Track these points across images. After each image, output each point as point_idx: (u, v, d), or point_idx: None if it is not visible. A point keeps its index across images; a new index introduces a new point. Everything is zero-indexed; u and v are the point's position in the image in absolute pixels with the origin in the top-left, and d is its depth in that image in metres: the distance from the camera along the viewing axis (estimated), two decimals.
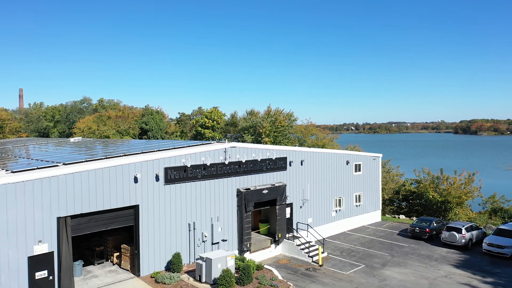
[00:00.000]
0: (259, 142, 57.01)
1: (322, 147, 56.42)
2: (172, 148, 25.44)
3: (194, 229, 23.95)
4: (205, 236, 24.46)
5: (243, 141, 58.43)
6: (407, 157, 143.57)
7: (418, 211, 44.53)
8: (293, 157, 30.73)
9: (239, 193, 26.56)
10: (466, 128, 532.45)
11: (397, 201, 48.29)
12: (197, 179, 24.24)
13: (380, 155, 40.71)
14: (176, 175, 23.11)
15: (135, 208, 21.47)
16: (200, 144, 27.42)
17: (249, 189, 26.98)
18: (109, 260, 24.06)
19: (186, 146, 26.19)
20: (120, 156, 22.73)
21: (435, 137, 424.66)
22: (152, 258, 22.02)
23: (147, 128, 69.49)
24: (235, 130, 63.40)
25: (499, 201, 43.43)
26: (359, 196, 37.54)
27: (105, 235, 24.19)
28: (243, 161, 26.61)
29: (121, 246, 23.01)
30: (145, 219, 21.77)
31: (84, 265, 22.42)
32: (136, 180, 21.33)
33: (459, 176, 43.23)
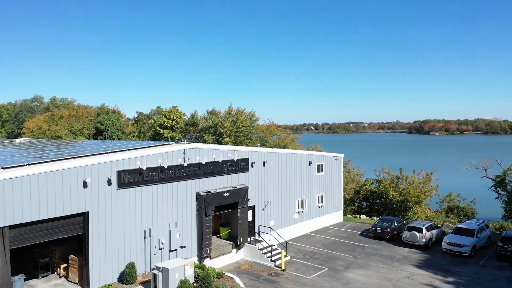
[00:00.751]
0: (220, 142, 55.73)
1: (284, 147, 55.93)
2: (126, 150, 23.78)
3: (150, 236, 22.43)
4: (162, 243, 22.99)
5: (204, 142, 56.95)
6: (366, 157, 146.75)
7: (379, 210, 44.87)
8: (255, 158, 29.77)
9: (198, 196, 25.26)
10: (420, 128, 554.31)
11: (358, 201, 48.54)
12: (153, 183, 22.74)
13: (342, 155, 40.59)
14: (130, 178, 21.51)
15: (84, 215, 19.70)
16: (157, 145, 25.87)
17: (209, 192, 25.74)
18: (56, 273, 22.07)
19: (142, 148, 24.59)
20: (68, 158, 20.84)
21: (391, 137, 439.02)
22: (103, 269, 20.32)
23: (102, 128, 66.47)
24: (195, 130, 61.77)
25: (455, 200, 44.54)
26: (322, 197, 37.15)
27: (51, 245, 22.17)
28: (203, 162, 25.34)
29: (69, 257, 21.13)
30: (95, 227, 20.03)
31: (26, 279, 20.34)
32: (85, 185, 19.57)
33: (417, 175, 43.94)
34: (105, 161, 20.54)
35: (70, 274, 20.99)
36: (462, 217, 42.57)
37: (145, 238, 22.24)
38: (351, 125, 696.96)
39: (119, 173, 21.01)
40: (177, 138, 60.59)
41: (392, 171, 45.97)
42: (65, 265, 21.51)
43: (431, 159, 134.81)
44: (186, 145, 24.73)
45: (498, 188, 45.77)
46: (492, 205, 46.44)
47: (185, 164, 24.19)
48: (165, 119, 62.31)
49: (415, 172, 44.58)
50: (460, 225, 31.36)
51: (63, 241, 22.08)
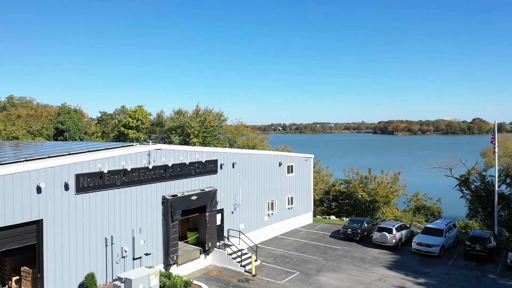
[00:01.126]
0: (187, 143, 54.30)
1: (253, 148, 55.13)
2: (86, 152, 22.22)
3: (112, 244, 20.98)
4: (125, 251, 21.58)
5: (170, 142, 55.33)
6: (333, 156, 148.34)
7: (348, 211, 44.80)
8: (224, 160, 28.75)
9: (165, 200, 23.99)
10: (384, 129, 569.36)
11: (327, 201, 48.34)
12: (115, 187, 21.29)
13: (312, 156, 40.19)
14: (90, 182, 20.00)
15: (38, 223, 18.07)
16: (120, 147, 24.40)
17: (176, 195, 24.51)
18: (7, 286, 20.26)
19: (104, 149, 23.09)
20: (20, 161, 19.14)
21: (357, 137, 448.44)
22: (60, 281, 18.74)
23: (63, 128, 63.44)
24: (161, 130, 59.98)
25: (422, 199, 45.07)
26: (292, 198, 36.56)
27: (1, 256, 20.35)
28: (170, 165, 24.08)
29: (21, 269, 19.41)
30: (50, 236, 18.44)
31: None
32: (39, 190, 17.95)
33: (386, 175, 44.19)
34: (62, 164, 18.97)
35: (22, 287, 19.28)
36: (429, 217, 43.13)
37: (106, 246, 20.78)
38: (318, 125, 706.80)
39: (78, 176, 19.47)
40: (142, 138, 58.60)
41: (361, 171, 46.06)
42: (17, 277, 19.78)
43: (397, 158, 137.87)
44: (151, 147, 23.41)
45: (462, 188, 46.77)
46: (457, 204, 47.41)
47: (150, 167, 22.88)
48: (129, 119, 60.16)
49: (383, 172, 44.83)
50: (429, 225, 31.51)
51: (15, 251, 20.32)
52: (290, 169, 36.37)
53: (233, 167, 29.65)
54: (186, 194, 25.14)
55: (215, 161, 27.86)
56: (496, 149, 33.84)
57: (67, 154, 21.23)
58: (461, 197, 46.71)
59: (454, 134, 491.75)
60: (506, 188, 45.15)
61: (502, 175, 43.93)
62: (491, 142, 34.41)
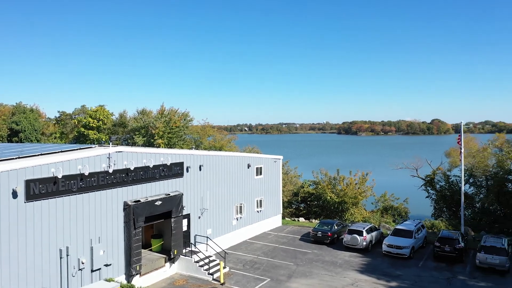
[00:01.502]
0: (151, 144, 52.38)
1: (220, 149, 53.88)
2: (38, 155, 20.36)
3: (67, 255, 19.20)
4: (83, 263, 19.85)
5: (134, 144, 53.23)
6: (301, 157, 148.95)
7: (317, 212, 44.36)
8: (191, 162, 27.37)
9: (126, 206, 22.38)
10: (348, 129, 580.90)
11: (296, 203, 47.72)
12: (71, 193, 19.53)
13: (281, 157, 39.40)
14: (42, 189, 18.18)
15: None
16: (77, 149, 22.62)
17: (139, 201, 22.95)
18: None
19: (59, 152, 21.27)
20: None
21: (322, 137, 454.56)
22: None
23: (18, 128, 59.93)
24: (124, 131, 57.60)
25: (389, 200, 45.23)
26: (261, 201, 35.59)
27: None
28: (132, 168, 22.49)
29: None
30: None
31: None
32: None
33: (354, 176, 44.05)
34: (10, 169, 17.09)
35: None
36: (396, 217, 43.32)
37: (61, 258, 18.99)
38: (284, 125, 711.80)
39: (28, 182, 17.63)
40: (103, 139, 56.05)
41: (329, 172, 45.76)
42: None
43: (362, 158, 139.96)
44: (111, 149, 21.75)
45: (428, 188, 47.38)
46: (423, 204, 47.97)
47: (111, 171, 21.23)
48: (90, 119, 57.44)
49: (351, 173, 44.71)
50: (398, 227, 31.35)
51: None
52: (259, 171, 35.39)
53: (200, 169, 28.33)
54: (150, 199, 23.62)
55: (181, 164, 26.44)
56: (463, 150, 34.18)
57: (16, 158, 19.31)
58: (427, 197, 47.33)
59: (414, 134, 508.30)
60: (470, 188, 46.10)
61: (466, 175, 44.70)
62: (458, 142, 34.79)
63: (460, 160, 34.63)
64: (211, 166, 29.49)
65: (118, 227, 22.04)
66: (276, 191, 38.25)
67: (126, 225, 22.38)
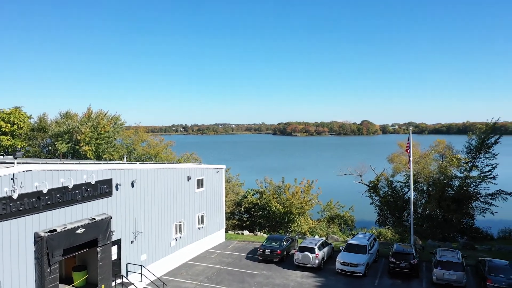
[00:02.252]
0: (77, 151, 46.76)
1: (155, 156, 49.49)
2: None
3: None
4: None
5: (55, 151, 47.24)
6: (239, 159, 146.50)
7: (261, 224, 41.73)
8: (121, 178, 23.32)
9: (38, 239, 17.96)
10: (283, 130, 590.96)
11: (239, 213, 44.76)
12: None
13: (223, 166, 36.24)
14: None
15: None
16: None
17: (55, 230, 18.61)
18: None
19: None
20: None
21: (259, 138, 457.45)
22: None
23: None
24: (44, 136, 51.02)
25: (335, 208, 43.80)
26: (202, 216, 32.14)
27: None
28: (45, 190, 18.12)
29: None
30: None
31: None
32: None
33: (300, 184, 42.03)
34: None
35: None
36: (343, 226, 41.95)
37: None
38: (220, 126, 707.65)
39: None
40: (20, 146, 49.15)
41: (273, 179, 43.41)
42: None
43: (302, 160, 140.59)
44: (16, 168, 17.25)
45: (372, 194, 46.71)
46: (368, 210, 47.30)
47: (15, 196, 16.77)
48: (2, 122, 50.10)
49: (296, 181, 42.67)
50: (351, 241, 29.45)
51: None
52: (200, 183, 31.92)
53: (133, 186, 24.33)
54: (69, 227, 19.34)
55: (109, 181, 22.33)
56: (411, 157, 33.22)
57: None
58: (371, 203, 46.68)
59: (346, 135, 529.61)
60: (412, 193, 45.95)
61: (408, 181, 44.55)
62: (406, 150, 33.79)
63: (409, 168, 33.60)
64: (146, 181, 25.59)
65: (27, 265, 17.58)
66: (219, 204, 35.01)
67: (37, 262, 17.95)
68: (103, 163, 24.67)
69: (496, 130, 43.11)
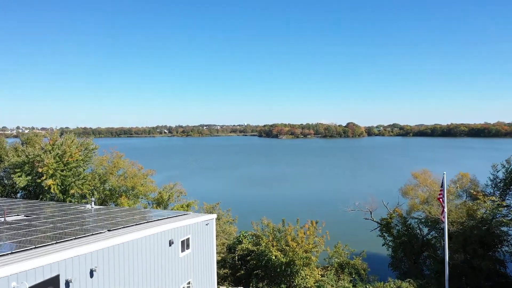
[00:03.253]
0: (38, 185, 39.59)
1: (133, 188, 42.49)
2: None
3: None
4: None
5: (13, 185, 39.93)
6: (225, 167, 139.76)
7: (259, 275, 35.13)
8: (74, 270, 16.49)
9: None
10: (269, 132, 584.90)
11: (231, 260, 38.02)
12: None
13: (214, 216, 29.49)
14: None
15: None
16: None
17: None
18: None
19: None
20: None
21: (244, 141, 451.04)
22: None
23: None
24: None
25: (343, 253, 37.40)
26: (189, 286, 25.42)
27: None
28: None
29: None
30: None
31: None
32: None
33: (303, 227, 35.62)
34: None
35: None
36: (354, 276, 35.66)
37: None
38: (205, 127, 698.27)
39: None
40: None
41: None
42: None
43: (291, 170, 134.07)
44: None
45: (384, 233, 40.61)
46: (380, 252, 41.20)
47: None
48: None
49: (298, 221, 36.29)
50: None
51: None
52: (185, 245, 25.21)
53: (92, 276, 17.51)
54: None
55: (55, 280, 15.50)
56: (446, 208, 27.04)
57: None
58: (384, 244, 40.55)
59: (332, 137, 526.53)
60: (429, 232, 40.08)
61: (425, 220, 38.55)
62: (438, 199, 27.60)
63: (443, 220, 27.42)
64: (113, 262, 18.78)
65: None
66: (209, 265, 28.32)
67: None
68: (43, 255, 17.29)
69: None
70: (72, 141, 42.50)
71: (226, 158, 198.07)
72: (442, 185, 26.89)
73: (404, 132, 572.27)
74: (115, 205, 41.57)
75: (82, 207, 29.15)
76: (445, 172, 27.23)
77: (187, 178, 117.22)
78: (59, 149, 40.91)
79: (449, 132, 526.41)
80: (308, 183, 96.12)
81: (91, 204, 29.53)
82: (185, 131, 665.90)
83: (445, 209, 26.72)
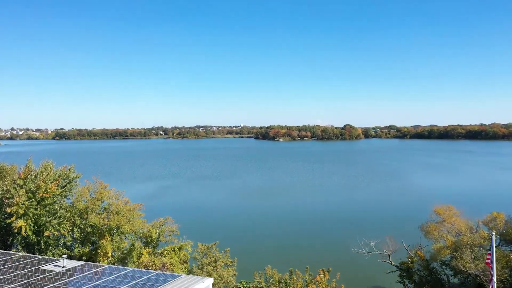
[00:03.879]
0: (7, 226, 34.31)
1: (117, 227, 37.20)
2: None
3: None
4: None
5: None
6: (221, 176, 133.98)
7: None
8: None
9: None
10: (265, 134, 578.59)
11: None
12: None
13: (211, 281, 24.36)
14: None
15: None
16: None
17: None
18: None
19: None
20: None
21: (241, 143, 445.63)
22: None
23: None
24: None
25: None
26: None
27: None
28: None
29: None
30: None
31: None
32: None
33: (313, 279, 30.62)
34: None
35: None
36: None
37: None
38: (201, 129, 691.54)
39: None
40: None
41: (277, 270, 31.86)
42: None
43: (290, 179, 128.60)
44: None
45: (404, 279, 35.64)
46: None
47: None
48: None
49: (308, 270, 31.33)
50: None
51: None
52: None
53: None
54: None
55: None
56: (495, 275, 22.08)
57: None
58: None
59: (329, 140, 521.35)
60: (456, 278, 35.16)
61: (453, 268, 33.61)
62: (487, 263, 22.60)
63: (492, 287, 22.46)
64: None
65: None
66: None
67: None
68: None
69: None
70: (49, 173, 37.12)
71: (221, 164, 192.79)
72: (490, 248, 21.96)
73: (401, 134, 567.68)
74: (97, 247, 36.41)
75: (51, 265, 24.07)
76: (493, 232, 22.25)
77: (180, 190, 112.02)
78: (32, 183, 35.59)
79: (446, 134, 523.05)
80: (311, 204, 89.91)
81: (62, 262, 24.43)
82: (181, 133, 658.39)
83: (494, 278, 21.79)
